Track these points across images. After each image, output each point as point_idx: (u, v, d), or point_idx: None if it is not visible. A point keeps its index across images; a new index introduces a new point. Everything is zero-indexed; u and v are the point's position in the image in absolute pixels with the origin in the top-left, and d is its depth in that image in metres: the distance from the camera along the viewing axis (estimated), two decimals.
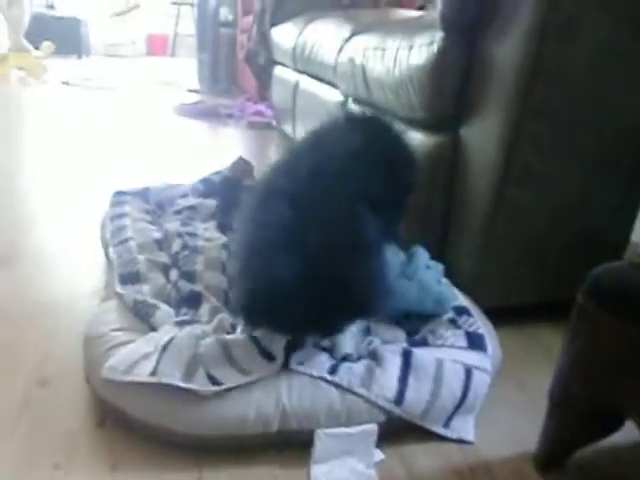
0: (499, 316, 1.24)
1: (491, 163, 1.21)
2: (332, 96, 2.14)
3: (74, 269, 1.56)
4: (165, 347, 0.97)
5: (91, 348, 1.03)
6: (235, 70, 5.04)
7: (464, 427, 1.01)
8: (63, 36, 6.71)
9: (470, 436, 1.00)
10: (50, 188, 2.26)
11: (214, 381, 0.94)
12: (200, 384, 0.93)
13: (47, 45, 5.42)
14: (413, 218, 1.46)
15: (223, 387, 0.93)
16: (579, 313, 0.81)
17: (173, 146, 3.07)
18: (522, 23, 1.11)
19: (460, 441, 1.00)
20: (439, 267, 1.25)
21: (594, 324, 0.79)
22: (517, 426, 1.04)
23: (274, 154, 1.79)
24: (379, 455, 0.95)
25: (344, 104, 1.85)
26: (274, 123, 3.41)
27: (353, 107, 1.87)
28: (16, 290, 1.43)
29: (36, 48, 5.38)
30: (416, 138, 1.42)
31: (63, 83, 5.19)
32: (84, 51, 7.36)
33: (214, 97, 4.51)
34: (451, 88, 1.29)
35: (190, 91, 4.89)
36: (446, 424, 1.00)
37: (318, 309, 0.89)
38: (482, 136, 1.25)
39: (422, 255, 1.22)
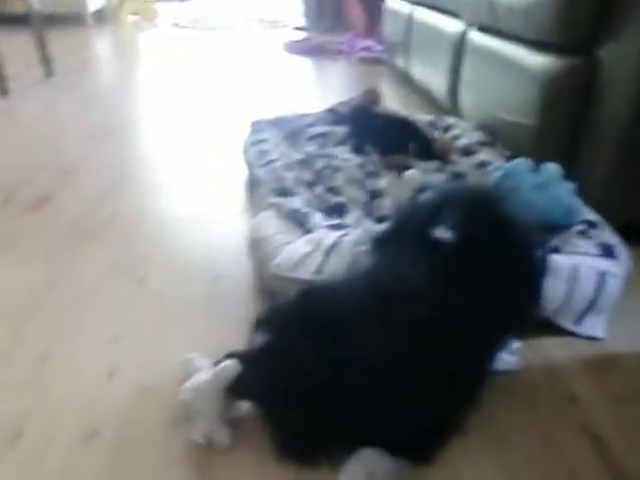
0: (628, 235, 1.30)
1: (635, 80, 1.22)
2: (452, 26, 2.17)
3: (223, 189, 1.76)
4: (329, 251, 1.11)
5: (259, 248, 1.20)
6: (341, 6, 5.05)
7: (595, 325, 1.10)
8: None
9: (600, 333, 1.09)
10: (184, 124, 2.46)
11: None
12: None
13: None
14: (539, 141, 1.52)
15: None
16: None
17: (286, 82, 3.19)
18: None
19: (591, 338, 1.09)
20: (570, 185, 1.30)
21: None
22: None
23: (386, 88, 1.88)
24: (515, 343, 1.06)
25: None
26: (384, 58, 3.45)
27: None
28: (179, 208, 1.64)
29: None
30: (546, 61, 1.45)
31: (174, 25, 5.42)
32: None
33: (320, 34, 4.57)
34: (590, 6, 1.30)
35: (296, 29, 4.97)
36: (578, 322, 1.09)
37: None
38: (625, 56, 1.25)
39: (554, 169, 1.28)
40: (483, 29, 1.90)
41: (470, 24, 2.02)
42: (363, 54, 3.66)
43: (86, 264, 1.33)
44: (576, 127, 1.41)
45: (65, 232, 1.47)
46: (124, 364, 1.02)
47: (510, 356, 1.02)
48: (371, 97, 1.82)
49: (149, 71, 3.60)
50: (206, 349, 1.04)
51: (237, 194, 1.72)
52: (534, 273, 0.99)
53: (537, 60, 1.50)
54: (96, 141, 2.19)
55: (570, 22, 1.34)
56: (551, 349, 1.07)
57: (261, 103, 2.68)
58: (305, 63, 3.68)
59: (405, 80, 2.96)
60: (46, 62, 3.16)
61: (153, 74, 3.48)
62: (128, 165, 1.97)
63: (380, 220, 1.30)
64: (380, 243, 1.08)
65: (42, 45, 3.11)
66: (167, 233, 1.48)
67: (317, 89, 3.14)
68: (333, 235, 1.14)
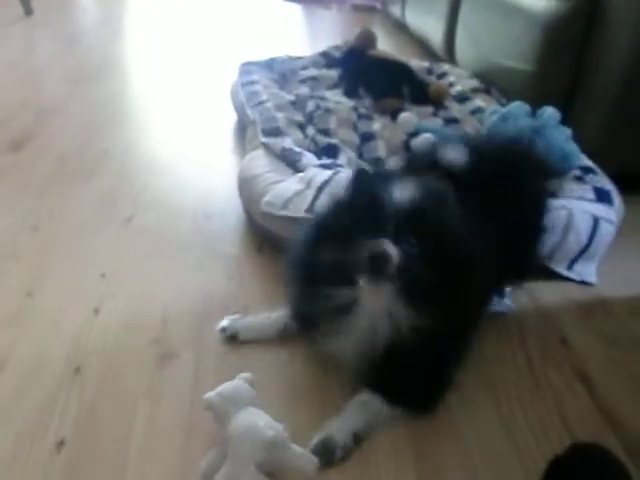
0: (621, 184, 1.28)
1: (638, 27, 1.19)
2: None
3: (211, 131, 1.72)
4: (321, 189, 1.08)
5: (249, 186, 1.17)
6: None
7: (587, 270, 1.09)
8: None
9: (592, 279, 1.09)
10: (170, 67, 2.39)
11: None
12: None
13: None
14: (537, 87, 1.49)
15: None
16: None
17: (276, 28, 3.09)
18: None
19: (582, 282, 1.09)
20: (567, 130, 1.28)
21: None
22: (637, 273, 1.12)
23: (381, 36, 1.82)
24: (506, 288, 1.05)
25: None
26: (378, 6, 3.36)
27: None
28: (167, 149, 1.61)
29: None
30: (549, 4, 1.40)
31: None
32: None
33: None
34: None
35: None
36: (570, 267, 1.09)
37: None
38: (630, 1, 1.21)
39: (552, 115, 1.26)
40: None
41: None
42: (356, 2, 3.55)
43: (72, 202, 1.30)
44: (575, 73, 1.38)
45: (50, 171, 1.43)
46: (110, 301, 1.00)
47: (503, 299, 1.02)
48: (366, 38, 1.76)
49: (133, 13, 3.47)
50: (192, 285, 1.04)
51: (226, 136, 1.68)
52: (542, 216, 0.98)
53: (539, 3, 1.45)
54: (78, 82, 2.11)
55: None
56: (543, 293, 1.06)
57: (250, 48, 2.60)
58: (296, 10, 3.57)
59: (400, 29, 2.88)
60: None
61: (137, 16, 3.36)
62: (113, 106, 1.91)
63: (372, 162, 1.28)
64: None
65: None
66: (156, 173, 1.45)
67: (307, 36, 3.06)
68: (325, 173, 1.11)
